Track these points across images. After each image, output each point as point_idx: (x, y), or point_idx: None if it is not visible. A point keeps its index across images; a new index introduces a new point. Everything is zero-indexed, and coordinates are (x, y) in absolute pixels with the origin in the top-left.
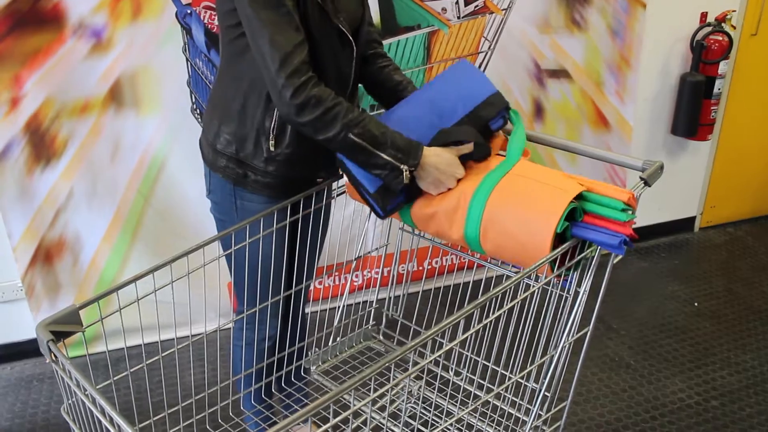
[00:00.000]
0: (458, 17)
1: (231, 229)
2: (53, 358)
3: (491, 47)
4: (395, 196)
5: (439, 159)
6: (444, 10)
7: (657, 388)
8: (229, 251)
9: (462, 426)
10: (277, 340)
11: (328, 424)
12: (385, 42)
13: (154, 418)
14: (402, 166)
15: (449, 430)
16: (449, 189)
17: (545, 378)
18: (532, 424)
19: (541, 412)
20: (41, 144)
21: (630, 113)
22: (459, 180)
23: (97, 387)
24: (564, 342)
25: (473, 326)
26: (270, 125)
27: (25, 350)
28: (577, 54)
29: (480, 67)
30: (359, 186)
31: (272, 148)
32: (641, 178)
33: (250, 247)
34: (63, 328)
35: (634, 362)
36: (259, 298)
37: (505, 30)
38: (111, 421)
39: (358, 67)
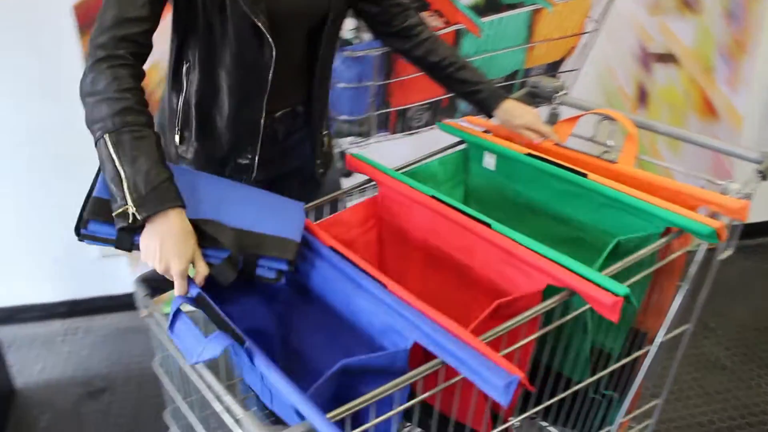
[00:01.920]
0: None
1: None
2: (148, 311)
3: (597, 28)
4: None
5: (179, 231)
6: None
7: (754, 392)
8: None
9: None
10: None
11: None
12: (486, 19)
13: (237, 379)
14: (129, 208)
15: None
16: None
17: (642, 373)
18: (620, 419)
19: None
20: None
21: (741, 103)
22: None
23: None
24: (662, 338)
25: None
26: (173, 116)
27: (124, 303)
28: (687, 37)
29: (584, 48)
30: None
31: (177, 143)
32: (759, 171)
33: None
34: (159, 283)
35: (731, 364)
36: None
37: (612, 10)
38: (200, 376)
39: (282, 73)
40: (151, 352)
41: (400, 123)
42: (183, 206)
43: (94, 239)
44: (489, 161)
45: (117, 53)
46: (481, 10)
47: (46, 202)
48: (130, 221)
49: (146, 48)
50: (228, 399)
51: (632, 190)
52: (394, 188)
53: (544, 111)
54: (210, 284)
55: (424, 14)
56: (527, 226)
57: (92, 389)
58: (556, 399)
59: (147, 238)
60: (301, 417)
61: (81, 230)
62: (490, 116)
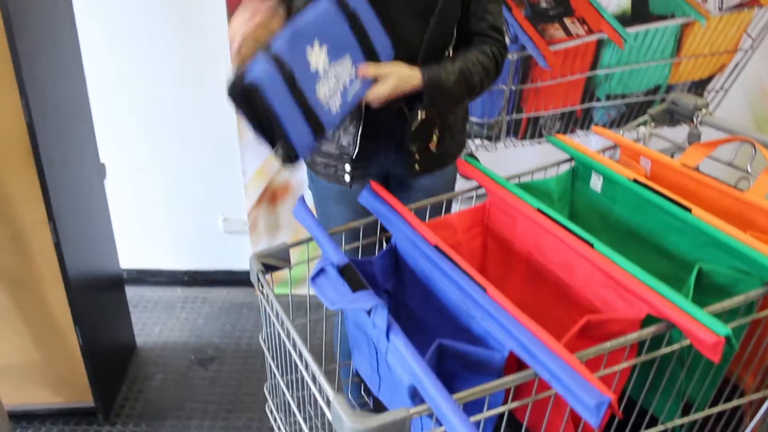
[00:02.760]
0: (720, 9)
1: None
2: (260, 288)
3: (753, 46)
4: None
5: None
6: None
7: None
8: None
9: None
10: None
11: None
12: (633, 30)
13: (342, 363)
14: None
15: None
16: None
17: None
18: None
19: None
20: None
21: None
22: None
23: (294, 323)
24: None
25: None
26: None
27: (241, 279)
28: None
29: (736, 67)
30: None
31: None
32: None
33: None
34: (273, 261)
35: None
36: None
37: None
38: (300, 356)
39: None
40: (260, 328)
41: (530, 130)
42: None
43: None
44: (596, 182)
45: None
46: (627, 20)
47: (184, 177)
48: None
49: None
50: (323, 380)
51: (739, 233)
52: (502, 198)
53: (683, 131)
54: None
55: (567, 20)
56: (628, 255)
57: (202, 357)
58: None
59: None
60: (413, 401)
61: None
62: None
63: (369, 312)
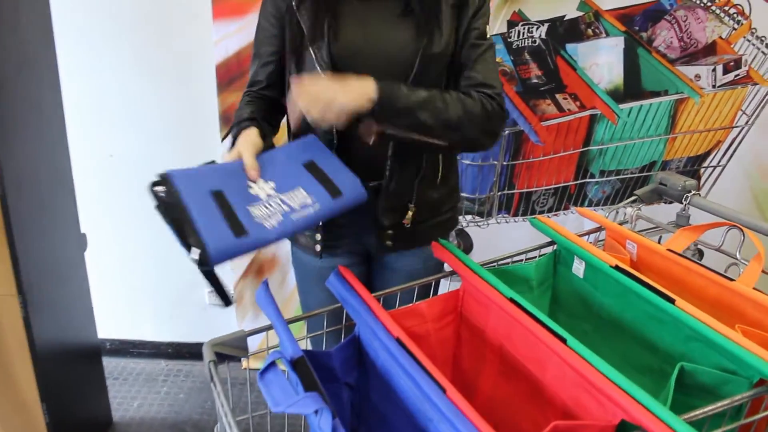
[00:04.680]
0: (713, 86)
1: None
2: (211, 378)
3: (749, 122)
4: None
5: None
6: (698, 76)
7: None
8: None
9: None
10: None
11: None
12: (626, 106)
13: None
14: None
15: None
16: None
17: None
18: None
19: None
20: None
21: None
22: None
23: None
24: None
25: None
26: None
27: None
28: None
29: (733, 143)
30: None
31: None
32: None
33: None
34: (228, 350)
35: None
36: None
37: None
38: None
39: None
40: (243, 407)
41: (522, 206)
42: None
43: None
44: (578, 267)
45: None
46: (620, 96)
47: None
48: None
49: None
50: None
51: (726, 329)
52: (475, 285)
53: (673, 210)
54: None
55: (559, 96)
56: (610, 345)
57: None
58: None
59: None
60: None
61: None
62: None
63: (316, 412)
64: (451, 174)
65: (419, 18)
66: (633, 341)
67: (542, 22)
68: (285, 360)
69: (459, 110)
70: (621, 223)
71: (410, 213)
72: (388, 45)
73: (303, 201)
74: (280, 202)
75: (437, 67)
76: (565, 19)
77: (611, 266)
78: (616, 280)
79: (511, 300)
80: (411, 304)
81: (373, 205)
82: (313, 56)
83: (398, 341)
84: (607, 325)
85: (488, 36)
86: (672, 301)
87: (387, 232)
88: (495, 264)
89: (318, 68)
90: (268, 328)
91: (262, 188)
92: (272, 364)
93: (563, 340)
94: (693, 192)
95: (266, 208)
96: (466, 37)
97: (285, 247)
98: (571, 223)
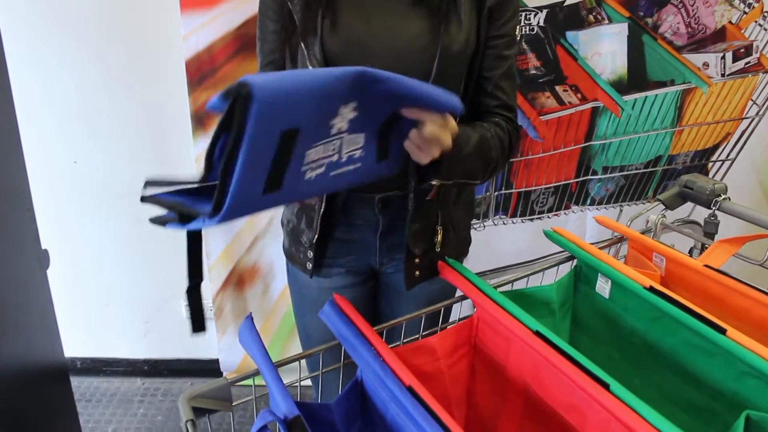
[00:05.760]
0: (722, 75)
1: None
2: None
3: (760, 113)
4: None
5: None
6: (706, 65)
7: None
8: None
9: None
10: None
11: None
12: (630, 98)
13: None
14: None
15: None
16: None
17: None
18: None
19: None
20: None
21: None
22: None
23: None
24: None
25: None
26: None
27: (206, 369)
28: None
29: (743, 135)
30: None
31: None
32: None
33: None
34: (208, 404)
35: None
36: None
37: None
38: None
39: None
40: (227, 427)
41: (521, 206)
42: None
43: None
44: (603, 286)
45: None
46: (624, 87)
47: (144, 259)
48: None
49: None
50: None
51: None
52: (492, 313)
53: (700, 214)
54: None
55: (559, 88)
56: (642, 375)
57: None
58: None
59: None
60: None
61: None
62: None
63: None
64: (470, 188)
65: (433, 6)
66: (671, 372)
67: (540, 8)
68: (278, 420)
69: (498, 150)
70: (643, 232)
71: (439, 237)
72: (397, 40)
73: (352, 152)
74: (339, 145)
75: (457, 67)
76: (565, 4)
77: (645, 287)
78: (651, 304)
79: (537, 333)
80: (420, 339)
81: (384, 223)
82: (305, 53)
83: (410, 390)
84: (640, 353)
85: (517, 38)
86: (723, 331)
87: (415, 261)
88: (510, 284)
89: (309, 67)
90: (255, 372)
91: (344, 117)
92: (263, 428)
93: (606, 386)
94: (723, 196)
95: (324, 148)
96: (493, 43)
97: (267, 252)
98: (573, 223)
